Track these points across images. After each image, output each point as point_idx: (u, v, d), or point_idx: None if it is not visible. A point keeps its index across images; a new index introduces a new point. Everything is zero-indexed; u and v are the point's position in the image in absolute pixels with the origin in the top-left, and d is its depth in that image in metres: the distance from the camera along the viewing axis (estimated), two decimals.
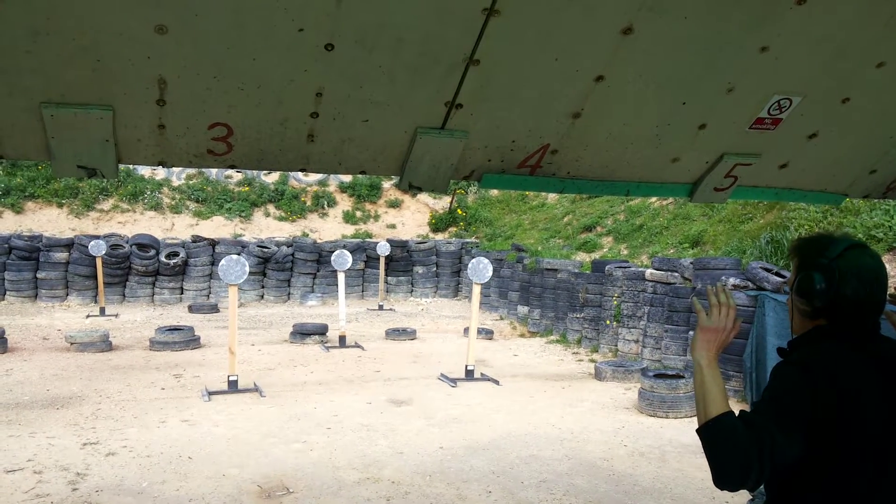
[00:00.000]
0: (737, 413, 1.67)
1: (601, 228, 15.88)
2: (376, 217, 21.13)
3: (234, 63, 1.95)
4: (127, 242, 16.18)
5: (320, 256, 17.32)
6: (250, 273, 12.87)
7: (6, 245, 15.33)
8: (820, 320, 1.83)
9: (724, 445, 1.62)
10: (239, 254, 14.38)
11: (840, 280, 1.76)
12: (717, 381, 1.72)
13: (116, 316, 14.33)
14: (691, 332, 8.91)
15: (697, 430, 1.69)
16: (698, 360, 1.77)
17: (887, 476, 1.70)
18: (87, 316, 14.25)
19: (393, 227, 20.82)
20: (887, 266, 8.42)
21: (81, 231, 17.20)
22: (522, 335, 13.36)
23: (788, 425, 1.64)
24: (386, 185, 21.65)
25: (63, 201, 18.17)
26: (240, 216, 19.61)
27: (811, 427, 1.65)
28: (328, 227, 20.26)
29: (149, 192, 19.19)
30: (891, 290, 2.00)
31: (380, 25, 1.90)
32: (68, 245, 15.75)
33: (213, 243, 16.97)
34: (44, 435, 6.46)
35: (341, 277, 11.98)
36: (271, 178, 20.86)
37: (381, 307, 16.65)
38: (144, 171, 19.58)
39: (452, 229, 20.94)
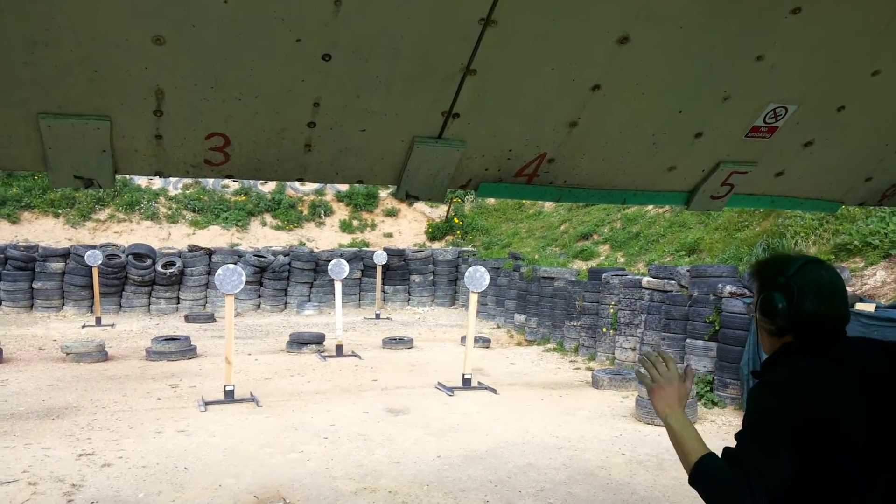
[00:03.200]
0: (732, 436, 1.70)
1: (598, 237, 15.90)
2: (373, 226, 21.13)
3: (232, 73, 1.95)
4: (123, 252, 16.14)
5: (317, 265, 17.30)
6: (247, 282, 12.83)
7: (2, 255, 15.28)
8: (787, 337, 1.87)
9: (714, 488, 1.67)
10: (235, 263, 14.37)
11: (799, 296, 1.80)
12: (688, 430, 1.78)
13: (112, 326, 14.28)
14: (688, 340, 8.95)
15: (689, 482, 1.73)
16: (665, 419, 1.83)
17: (867, 479, 1.72)
18: (83, 326, 14.19)
19: (390, 235, 20.82)
20: (883, 273, 8.44)
21: (78, 241, 17.16)
22: (519, 343, 13.35)
23: (773, 450, 1.66)
24: (383, 194, 21.67)
25: (59, 211, 18.14)
26: (236, 225, 19.59)
27: (795, 445, 1.67)
28: (325, 236, 20.25)
29: (145, 202, 19.17)
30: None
31: (377, 35, 1.90)
32: (64, 255, 15.71)
33: (209, 253, 16.94)
34: (39, 446, 6.42)
35: (338, 286, 11.96)
36: (268, 187, 20.86)
37: (377, 316, 16.63)
38: (141, 180, 19.57)
39: (449, 238, 20.94)
